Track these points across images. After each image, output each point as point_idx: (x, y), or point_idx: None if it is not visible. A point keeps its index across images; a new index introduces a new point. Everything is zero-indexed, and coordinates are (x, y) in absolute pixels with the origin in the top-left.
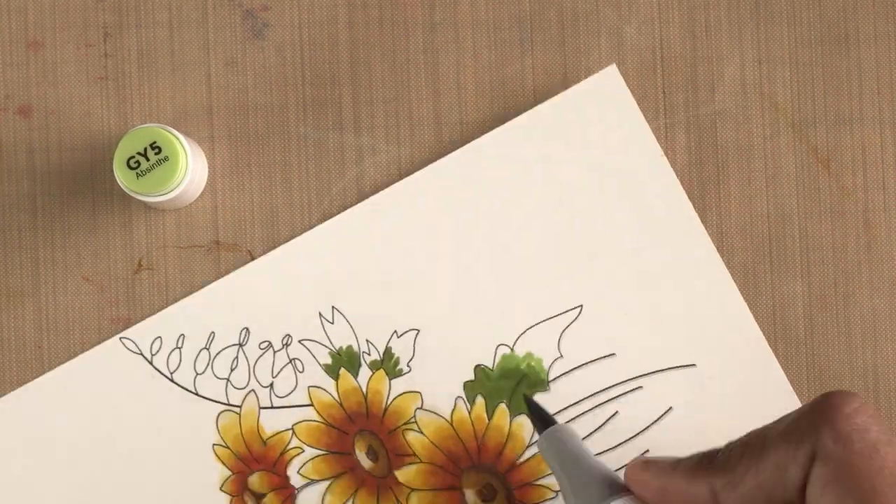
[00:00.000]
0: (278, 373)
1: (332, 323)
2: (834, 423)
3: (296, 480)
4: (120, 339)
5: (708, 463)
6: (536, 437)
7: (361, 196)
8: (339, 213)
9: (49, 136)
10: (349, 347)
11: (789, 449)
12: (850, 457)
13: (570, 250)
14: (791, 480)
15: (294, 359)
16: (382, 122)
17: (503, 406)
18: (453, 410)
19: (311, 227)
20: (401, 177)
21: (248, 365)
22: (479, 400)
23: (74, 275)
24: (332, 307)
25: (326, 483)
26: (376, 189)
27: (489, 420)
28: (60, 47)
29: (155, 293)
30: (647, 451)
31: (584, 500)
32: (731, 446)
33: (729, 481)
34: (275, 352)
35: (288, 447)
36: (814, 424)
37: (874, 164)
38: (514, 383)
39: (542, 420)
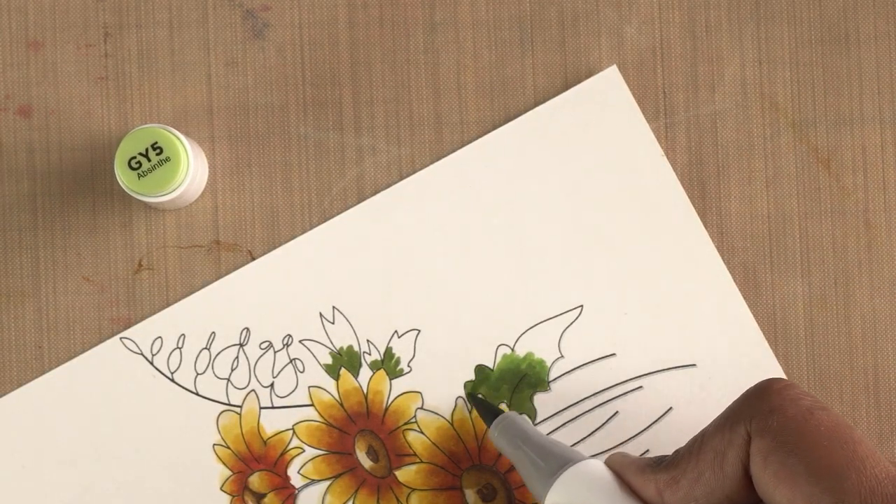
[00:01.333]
0: (279, 373)
1: (333, 323)
2: (765, 399)
3: (296, 480)
4: (120, 339)
5: (656, 464)
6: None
7: (361, 196)
8: (339, 213)
9: (49, 136)
10: (350, 347)
11: (725, 435)
12: (786, 422)
13: (570, 250)
14: (730, 466)
15: (294, 359)
16: (382, 122)
17: (504, 406)
18: (454, 410)
19: (311, 227)
20: (401, 177)
21: (249, 365)
22: (482, 395)
23: (74, 275)
24: (333, 307)
25: (327, 483)
26: (376, 189)
27: None
28: (60, 47)
29: (155, 293)
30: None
31: (542, 475)
32: (678, 449)
33: (672, 478)
34: (275, 352)
35: (288, 447)
36: (746, 407)
37: (874, 164)
38: (514, 383)
39: (491, 412)
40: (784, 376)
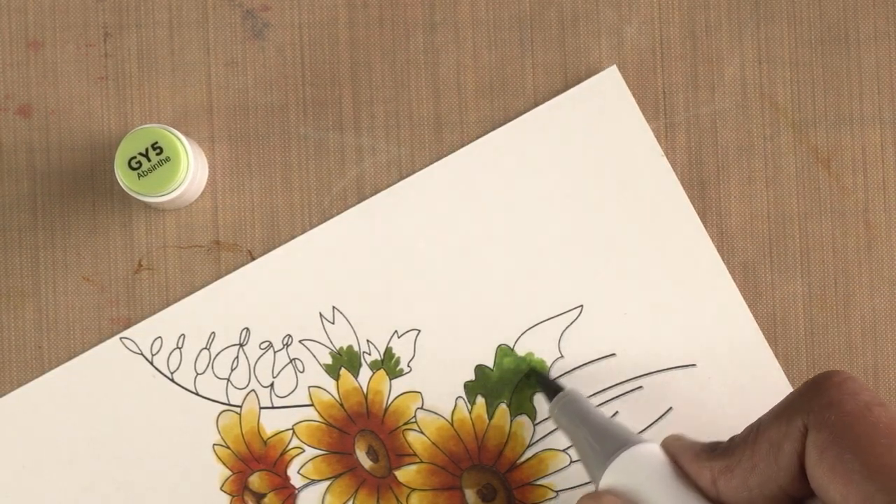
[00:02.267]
0: (279, 373)
1: (333, 323)
2: (824, 393)
3: (296, 480)
4: (120, 339)
5: (711, 450)
6: (548, 415)
7: (361, 196)
8: (339, 213)
9: (49, 136)
10: (350, 347)
11: (781, 426)
12: (844, 418)
13: (570, 250)
14: (785, 458)
15: (294, 359)
16: (382, 122)
17: (503, 406)
18: (454, 410)
19: (311, 227)
20: (401, 177)
21: (249, 365)
22: (480, 400)
23: (74, 275)
24: (333, 307)
25: (327, 483)
26: (376, 189)
27: (489, 420)
28: (60, 47)
29: (155, 293)
30: None
31: (597, 457)
32: (733, 437)
33: (726, 466)
34: (275, 352)
35: (288, 447)
36: (805, 400)
37: (874, 164)
38: (514, 383)
39: (552, 389)
40: (784, 376)
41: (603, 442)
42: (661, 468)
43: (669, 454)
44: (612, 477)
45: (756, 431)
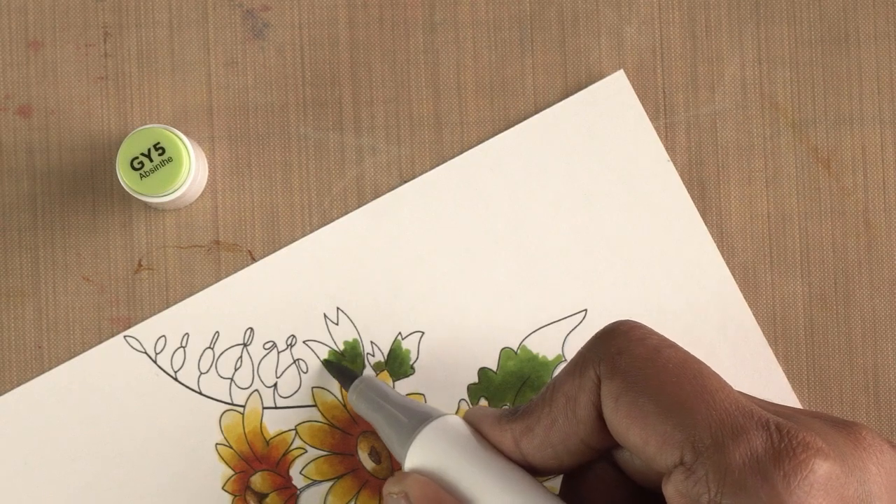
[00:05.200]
0: (282, 373)
1: (337, 324)
2: (613, 341)
3: (298, 481)
4: (124, 337)
5: (511, 414)
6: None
7: (361, 196)
8: (339, 212)
9: (49, 136)
10: (353, 349)
11: (575, 379)
12: (635, 363)
13: (575, 254)
14: (582, 410)
15: (298, 359)
16: (382, 122)
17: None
18: (456, 413)
19: (311, 228)
20: (401, 177)
21: (252, 365)
22: (483, 402)
23: (74, 275)
24: (337, 308)
25: (329, 484)
26: (376, 189)
27: None
28: (60, 47)
29: (155, 293)
30: None
31: (401, 434)
32: (532, 398)
33: (527, 426)
34: (279, 352)
35: (291, 447)
36: (595, 350)
37: (874, 164)
38: (517, 386)
39: (348, 377)
40: (784, 376)
41: (404, 420)
42: (465, 438)
43: (472, 424)
44: (417, 452)
45: (552, 388)
